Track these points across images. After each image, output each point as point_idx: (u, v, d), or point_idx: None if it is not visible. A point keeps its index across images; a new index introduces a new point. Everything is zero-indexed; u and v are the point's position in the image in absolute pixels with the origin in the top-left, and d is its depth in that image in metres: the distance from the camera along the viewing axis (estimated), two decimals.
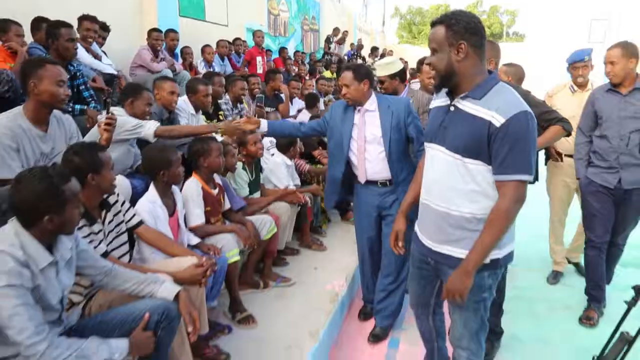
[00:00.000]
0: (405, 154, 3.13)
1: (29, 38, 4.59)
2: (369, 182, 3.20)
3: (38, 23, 4.57)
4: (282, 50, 10.27)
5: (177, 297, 2.20)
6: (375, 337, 3.39)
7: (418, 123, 3.09)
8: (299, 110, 6.93)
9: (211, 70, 6.92)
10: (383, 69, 3.92)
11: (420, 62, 4.51)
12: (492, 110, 1.82)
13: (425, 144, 2.13)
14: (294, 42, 13.50)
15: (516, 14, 38.40)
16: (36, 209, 1.77)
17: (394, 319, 3.46)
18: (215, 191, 3.34)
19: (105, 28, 5.55)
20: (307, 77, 8.87)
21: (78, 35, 4.08)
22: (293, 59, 10.41)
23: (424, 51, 25.55)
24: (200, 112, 4.60)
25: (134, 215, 2.62)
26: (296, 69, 9.68)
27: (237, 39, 8.40)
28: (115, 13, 6.25)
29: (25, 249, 1.76)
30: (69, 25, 4.00)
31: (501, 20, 37.35)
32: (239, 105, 5.45)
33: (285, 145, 4.45)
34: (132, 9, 6.87)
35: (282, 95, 6.77)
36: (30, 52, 4.51)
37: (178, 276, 2.37)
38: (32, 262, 1.77)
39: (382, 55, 15.17)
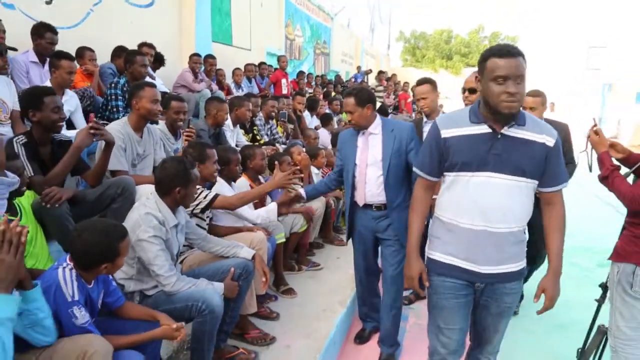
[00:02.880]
0: (403, 180, 3.13)
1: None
2: (365, 206, 3.23)
3: (119, 51, 5.45)
4: (301, 73, 11.18)
5: (253, 257, 3.00)
6: None
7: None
8: (316, 127, 7.79)
9: (240, 90, 7.83)
10: None
11: (416, 85, 4.21)
12: (541, 134, 2.04)
13: (465, 173, 2.09)
14: (307, 65, 14.47)
15: (516, 40, 39.39)
16: (173, 182, 2.61)
17: (399, 345, 3.52)
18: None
19: (161, 60, 6.40)
20: (321, 98, 9.79)
21: (148, 63, 4.91)
22: (306, 80, 11.34)
23: (428, 74, 26.56)
24: (238, 126, 5.46)
25: (206, 195, 3.34)
26: (311, 91, 10.60)
27: (262, 63, 9.32)
28: (159, 39, 7.16)
29: (162, 212, 2.59)
30: (143, 54, 4.88)
31: None
32: (270, 121, 6.32)
33: (311, 157, 5.26)
34: (173, 35, 7.79)
35: (302, 114, 7.66)
36: (103, 72, 5.42)
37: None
38: (166, 221, 2.60)
39: (388, 79, 16.10)
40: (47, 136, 3.03)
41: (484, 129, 2.05)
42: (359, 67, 16.80)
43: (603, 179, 2.63)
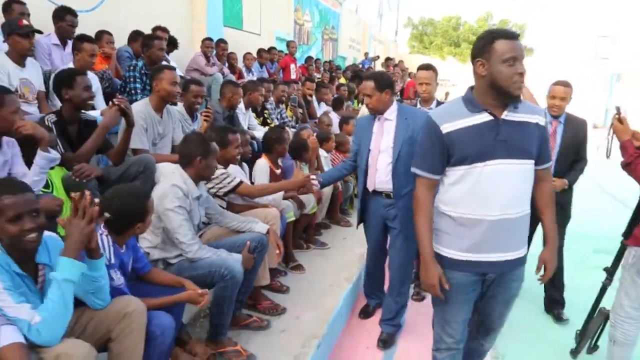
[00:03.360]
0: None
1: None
2: (375, 192, 3.28)
3: (135, 35, 5.63)
4: (309, 59, 11.31)
5: (267, 232, 3.21)
6: (384, 343, 3.52)
7: None
8: (325, 112, 7.95)
9: (251, 74, 8.00)
10: None
11: (418, 69, 4.16)
12: (534, 114, 2.08)
13: (476, 164, 2.04)
14: (315, 50, 14.58)
15: (525, 28, 39.12)
16: (194, 152, 2.84)
17: (400, 326, 3.67)
18: (278, 171, 4.35)
19: (174, 43, 6.57)
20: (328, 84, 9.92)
21: (164, 46, 5.08)
22: (314, 66, 11.46)
23: (435, 61, 26.50)
24: (250, 109, 5.64)
25: (231, 181, 3.57)
26: (319, 76, 10.73)
27: (272, 48, 9.45)
28: (171, 23, 7.29)
29: (186, 183, 2.80)
30: (160, 38, 5.06)
31: None
32: (280, 105, 6.50)
33: (322, 141, 5.44)
34: (185, 19, 7.94)
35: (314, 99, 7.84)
36: (120, 55, 5.60)
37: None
38: (189, 193, 2.81)
39: (395, 65, 16.18)
40: (76, 115, 3.23)
41: (485, 117, 2.03)
42: (366, 54, 16.88)
43: (626, 166, 2.70)
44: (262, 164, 4.19)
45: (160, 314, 2.26)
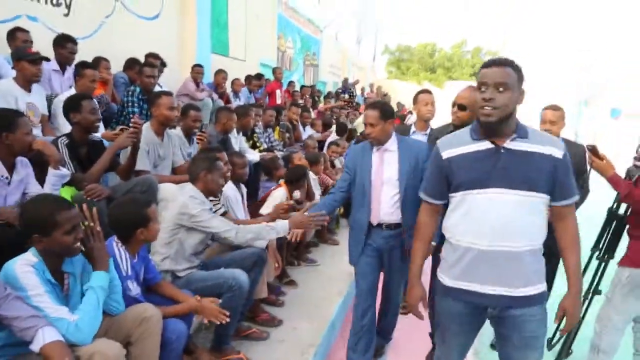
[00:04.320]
0: (419, 200, 2.67)
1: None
2: (374, 225, 3.12)
3: (131, 62, 5.86)
4: (290, 83, 11.66)
5: (266, 247, 3.41)
6: (375, 352, 3.54)
7: None
8: (310, 136, 8.23)
9: (238, 100, 8.26)
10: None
11: (416, 94, 4.31)
12: (545, 145, 1.96)
13: (471, 191, 2.04)
14: (297, 76, 14.95)
15: (497, 55, 40.33)
16: (201, 167, 3.13)
17: (391, 338, 3.77)
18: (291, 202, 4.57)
19: (163, 64, 6.81)
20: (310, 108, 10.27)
21: (156, 74, 5.32)
22: (299, 91, 11.79)
23: (412, 86, 27.17)
24: (241, 133, 5.88)
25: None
26: (302, 102, 11.04)
27: (260, 75, 9.72)
28: (162, 49, 7.52)
29: (199, 197, 3.03)
30: (152, 65, 5.29)
31: (483, 60, 39.36)
32: (268, 129, 6.75)
33: (311, 163, 5.68)
34: (175, 46, 8.18)
35: (300, 123, 8.13)
36: (115, 80, 5.80)
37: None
38: (204, 203, 3.03)
39: (375, 89, 16.62)
40: (85, 137, 3.43)
41: (486, 144, 2.01)
42: (345, 79, 17.31)
43: (625, 197, 2.88)
44: (280, 194, 4.45)
45: (175, 321, 2.45)
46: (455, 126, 3.23)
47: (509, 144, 1.98)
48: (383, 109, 3.02)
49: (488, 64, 1.98)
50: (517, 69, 1.96)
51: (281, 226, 3.20)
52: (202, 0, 8.56)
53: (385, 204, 3.05)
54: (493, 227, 1.98)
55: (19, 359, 1.90)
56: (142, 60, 6.08)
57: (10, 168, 2.77)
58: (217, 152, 3.77)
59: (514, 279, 2.01)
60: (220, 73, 7.88)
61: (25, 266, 1.97)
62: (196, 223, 2.98)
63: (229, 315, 2.67)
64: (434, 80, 33.97)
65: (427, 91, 4.33)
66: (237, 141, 5.76)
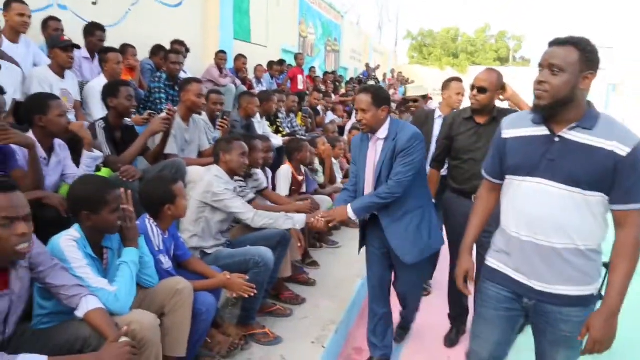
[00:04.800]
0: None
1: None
2: (374, 215, 2.95)
3: (157, 49, 6.01)
4: (312, 69, 11.73)
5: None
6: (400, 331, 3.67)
7: (408, 160, 2.72)
8: (331, 121, 8.32)
9: (260, 85, 8.37)
10: (418, 90, 5.24)
11: (449, 80, 4.27)
12: (611, 140, 1.74)
13: (514, 177, 1.96)
14: (318, 62, 14.99)
15: (522, 39, 39.59)
16: (217, 149, 3.28)
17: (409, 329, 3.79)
18: (300, 177, 4.69)
19: (187, 50, 6.96)
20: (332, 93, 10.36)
21: (181, 60, 5.47)
22: (321, 77, 11.87)
23: (434, 72, 27.00)
24: (265, 118, 6.00)
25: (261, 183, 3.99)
26: (324, 87, 11.11)
27: (282, 60, 9.83)
28: (187, 36, 7.68)
29: (224, 177, 3.16)
30: (177, 52, 5.43)
31: (508, 45, 38.74)
32: (290, 115, 6.86)
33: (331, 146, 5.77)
34: (199, 32, 8.33)
35: (319, 108, 8.21)
36: (142, 67, 5.96)
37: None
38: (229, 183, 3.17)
39: (395, 74, 16.55)
40: (120, 121, 3.59)
41: (542, 130, 1.88)
42: (367, 64, 17.28)
43: None
44: (285, 170, 4.53)
45: (205, 294, 2.60)
46: (474, 110, 3.19)
47: (566, 133, 1.82)
48: (376, 93, 2.79)
49: (550, 43, 1.82)
50: (583, 49, 1.74)
51: (298, 219, 3.28)
52: None
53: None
54: (531, 219, 1.89)
55: (64, 325, 2.05)
56: (167, 46, 6.25)
57: (49, 150, 2.93)
58: (250, 140, 3.89)
59: (550, 276, 1.89)
60: (240, 58, 7.95)
61: (69, 241, 2.13)
62: (218, 202, 3.12)
63: (255, 289, 2.81)
64: (457, 66, 33.59)
65: (459, 80, 4.27)
66: (261, 126, 5.89)
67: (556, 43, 1.79)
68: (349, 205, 2.86)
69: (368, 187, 2.90)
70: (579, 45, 1.74)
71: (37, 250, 1.97)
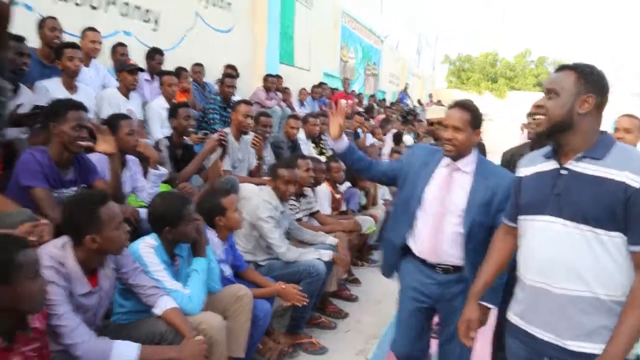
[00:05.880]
0: (483, 243, 2.18)
1: None
2: (425, 263, 2.42)
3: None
4: (353, 92, 12.03)
5: (336, 245, 3.74)
6: None
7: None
8: (371, 144, 8.52)
9: (303, 108, 8.68)
10: (439, 112, 5.35)
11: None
12: (623, 170, 1.56)
13: (526, 217, 1.78)
14: (358, 85, 15.29)
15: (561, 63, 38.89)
16: (276, 172, 3.44)
17: None
18: (338, 196, 4.90)
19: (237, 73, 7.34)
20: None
21: (235, 84, 5.82)
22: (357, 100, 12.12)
23: (472, 96, 26.88)
24: (310, 139, 6.26)
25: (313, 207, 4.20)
26: (362, 110, 11.36)
27: (322, 83, 10.16)
28: (236, 60, 8.05)
29: (274, 199, 3.37)
30: (232, 76, 5.77)
31: (548, 70, 38.28)
32: None
33: None
34: (246, 57, 8.72)
35: (359, 131, 8.44)
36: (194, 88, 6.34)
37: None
38: (277, 207, 3.37)
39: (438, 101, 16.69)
40: (181, 140, 3.88)
41: (552, 164, 1.73)
42: (407, 84, 17.47)
43: None
44: (324, 189, 4.75)
45: (262, 301, 2.81)
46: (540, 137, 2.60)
47: (573, 165, 1.66)
48: (475, 113, 2.34)
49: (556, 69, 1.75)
50: (581, 72, 1.66)
51: (324, 254, 3.46)
52: (273, 14, 9.09)
53: (447, 240, 2.34)
54: (541, 262, 1.70)
55: (142, 321, 2.29)
56: (220, 70, 6.64)
57: (122, 165, 3.23)
58: (299, 158, 4.12)
59: (564, 328, 1.65)
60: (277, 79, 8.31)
61: (147, 247, 2.38)
62: (259, 227, 3.32)
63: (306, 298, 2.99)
64: (495, 90, 33.35)
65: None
66: (307, 147, 6.15)
67: (557, 69, 1.74)
68: (483, 304, 2.17)
69: (436, 223, 2.35)
70: (577, 69, 1.67)
71: (123, 254, 2.22)
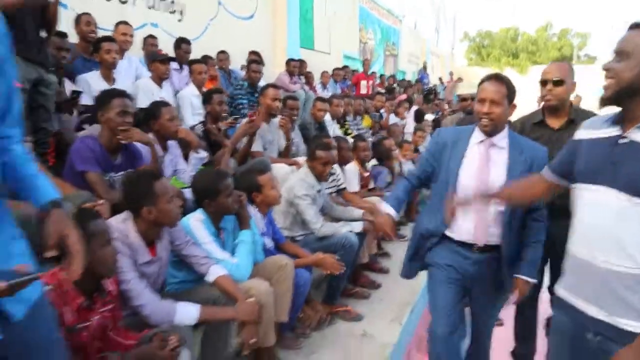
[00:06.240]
0: (522, 222, 2.30)
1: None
2: (463, 244, 2.33)
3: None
4: (373, 73, 12.10)
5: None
6: None
7: None
8: (394, 123, 8.63)
9: (326, 91, 8.81)
10: (468, 88, 5.43)
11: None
12: None
13: (580, 184, 1.69)
14: (378, 66, 15.32)
15: (587, 37, 38.21)
16: (314, 153, 3.58)
17: None
18: (366, 174, 5.05)
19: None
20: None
21: (261, 70, 6.00)
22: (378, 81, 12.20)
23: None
24: (335, 120, 6.42)
25: (341, 184, 4.37)
26: (383, 90, 11.44)
27: (345, 66, 10.27)
28: (258, 45, 8.21)
29: (310, 181, 3.54)
30: (257, 62, 5.94)
31: (572, 42, 37.52)
32: (357, 117, 7.24)
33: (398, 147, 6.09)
34: (267, 42, 8.89)
35: (382, 111, 8.56)
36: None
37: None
38: (314, 186, 3.55)
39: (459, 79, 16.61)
40: (215, 125, 4.08)
41: (614, 130, 1.62)
42: (425, 63, 17.44)
43: None
44: (352, 168, 4.90)
45: (302, 270, 3.00)
46: (549, 110, 2.76)
47: (634, 133, 1.55)
48: (510, 85, 2.27)
49: (628, 28, 1.59)
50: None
51: (356, 225, 3.67)
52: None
53: (484, 219, 2.26)
54: (588, 234, 1.63)
55: (196, 288, 2.50)
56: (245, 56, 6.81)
57: (164, 149, 3.43)
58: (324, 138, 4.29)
59: (610, 304, 1.56)
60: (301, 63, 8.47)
61: (196, 221, 2.59)
62: (296, 204, 3.49)
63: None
64: (517, 66, 32.91)
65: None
66: (332, 127, 6.31)
67: (630, 27, 1.57)
68: (524, 277, 2.27)
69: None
70: None
71: (176, 228, 2.42)
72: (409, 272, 2.64)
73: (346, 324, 3.49)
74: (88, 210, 1.90)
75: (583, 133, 1.75)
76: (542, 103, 2.81)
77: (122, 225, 2.17)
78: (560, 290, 1.78)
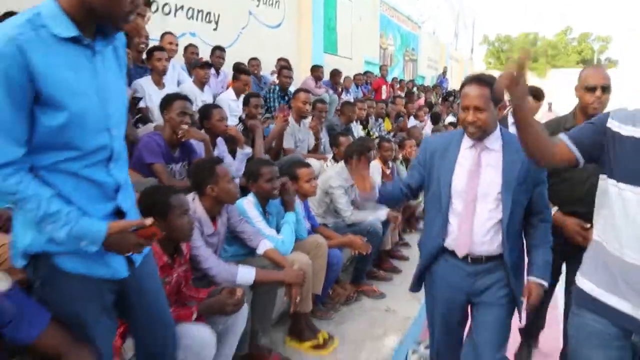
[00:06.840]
0: (521, 226, 2.19)
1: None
2: (456, 255, 2.19)
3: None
4: (394, 79, 12.52)
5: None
6: None
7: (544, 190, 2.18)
8: (414, 126, 9.03)
9: (348, 95, 9.27)
10: None
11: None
12: None
13: (623, 184, 1.60)
14: (397, 71, 15.74)
15: (609, 40, 38.02)
16: (352, 151, 4.01)
17: None
18: (388, 171, 5.47)
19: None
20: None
21: (292, 75, 6.48)
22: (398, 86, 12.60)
23: None
24: (358, 122, 6.86)
25: None
26: (403, 94, 11.84)
27: (367, 72, 10.73)
28: (285, 52, 8.71)
29: (344, 175, 3.98)
30: (288, 68, 6.42)
31: (592, 46, 37.40)
32: (378, 120, 7.68)
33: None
34: (294, 49, 9.39)
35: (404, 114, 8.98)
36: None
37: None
38: (347, 180, 3.99)
39: None
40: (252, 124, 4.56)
41: None
42: (445, 68, 17.79)
43: None
44: (375, 165, 5.33)
45: (335, 250, 3.45)
46: (589, 115, 2.45)
47: None
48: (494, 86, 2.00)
49: None
50: None
51: (381, 213, 4.07)
52: (317, 8, 9.73)
53: (480, 228, 2.11)
54: (630, 237, 1.57)
55: (247, 260, 2.94)
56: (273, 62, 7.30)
57: (213, 146, 3.91)
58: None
59: None
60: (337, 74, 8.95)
61: (249, 203, 3.06)
62: (330, 193, 3.95)
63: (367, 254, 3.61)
64: (536, 70, 32.99)
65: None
66: (356, 129, 6.76)
67: None
68: (537, 280, 2.13)
69: (467, 211, 2.12)
70: None
71: (231, 207, 2.89)
72: (414, 286, 2.49)
73: (371, 300, 3.93)
74: (168, 187, 2.37)
75: (621, 126, 1.62)
76: (575, 107, 2.69)
77: (191, 204, 2.64)
78: (596, 289, 1.69)
